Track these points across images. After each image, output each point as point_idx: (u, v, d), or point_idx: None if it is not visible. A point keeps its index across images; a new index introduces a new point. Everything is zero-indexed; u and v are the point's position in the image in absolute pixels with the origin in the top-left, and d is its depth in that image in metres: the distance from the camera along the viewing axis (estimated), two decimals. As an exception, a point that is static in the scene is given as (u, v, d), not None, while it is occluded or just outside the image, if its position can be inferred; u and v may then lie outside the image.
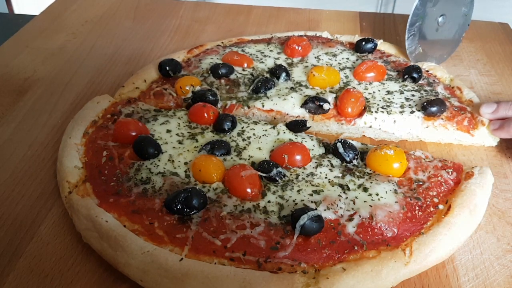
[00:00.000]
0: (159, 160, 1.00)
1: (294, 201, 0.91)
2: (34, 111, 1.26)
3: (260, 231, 0.84)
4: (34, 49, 1.55)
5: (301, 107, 1.18)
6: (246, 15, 1.83)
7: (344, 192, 0.93)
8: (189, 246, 0.82)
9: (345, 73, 1.32)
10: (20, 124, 1.21)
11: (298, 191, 0.93)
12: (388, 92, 1.23)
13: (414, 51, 1.41)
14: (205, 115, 1.12)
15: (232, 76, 1.29)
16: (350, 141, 1.06)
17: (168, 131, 1.09)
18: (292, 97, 1.20)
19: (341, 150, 1.02)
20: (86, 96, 1.32)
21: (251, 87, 1.24)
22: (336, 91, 1.24)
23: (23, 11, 3.02)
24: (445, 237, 0.85)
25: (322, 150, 1.07)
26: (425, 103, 1.14)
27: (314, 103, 1.16)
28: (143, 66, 1.40)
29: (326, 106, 1.16)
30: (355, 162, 1.03)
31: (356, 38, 1.49)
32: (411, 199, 0.92)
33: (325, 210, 0.88)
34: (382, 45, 1.48)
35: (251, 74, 1.31)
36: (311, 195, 0.92)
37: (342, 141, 1.04)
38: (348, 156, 1.02)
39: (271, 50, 1.44)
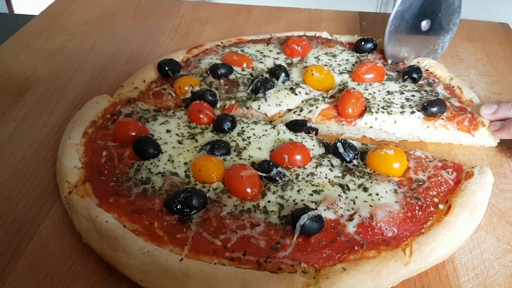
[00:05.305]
0: (159, 160, 1.00)
1: (294, 201, 0.91)
2: (34, 111, 1.26)
3: (260, 231, 0.84)
4: (34, 49, 1.55)
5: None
6: (246, 15, 1.83)
7: (344, 192, 0.93)
8: (189, 246, 0.82)
9: (343, 75, 1.32)
10: (20, 124, 1.21)
11: (298, 191, 0.93)
12: (388, 93, 1.23)
13: (394, 55, 1.38)
14: (201, 116, 1.12)
15: (231, 76, 1.29)
16: (350, 141, 1.06)
17: (168, 131, 1.09)
18: (287, 104, 1.20)
19: (341, 150, 1.02)
20: (86, 96, 1.32)
21: (250, 87, 1.24)
22: (335, 93, 1.24)
23: (23, 11, 3.02)
24: (445, 237, 0.85)
25: (322, 150, 1.07)
26: (425, 104, 1.14)
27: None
28: (143, 66, 1.40)
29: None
30: (355, 162, 1.03)
31: (355, 38, 1.49)
32: (411, 199, 0.92)
33: (325, 210, 0.88)
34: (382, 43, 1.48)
35: (251, 74, 1.31)
36: (311, 195, 0.92)
37: (342, 141, 1.04)
38: (348, 156, 1.02)
39: (270, 50, 1.44)
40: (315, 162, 1.02)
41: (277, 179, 0.95)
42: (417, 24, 1.35)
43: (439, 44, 1.42)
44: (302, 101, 1.23)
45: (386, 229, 0.86)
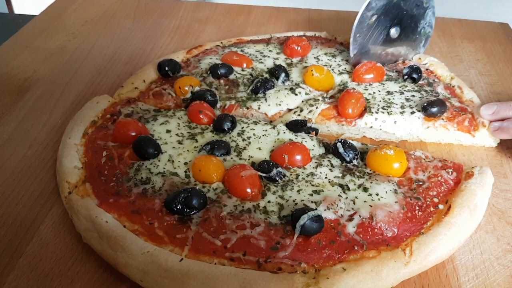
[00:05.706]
0: (159, 160, 1.00)
1: (294, 201, 0.91)
2: (34, 111, 1.26)
3: (260, 231, 0.84)
4: (34, 49, 1.55)
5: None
6: (246, 15, 1.83)
7: (344, 192, 0.93)
8: (189, 246, 0.82)
9: (343, 75, 1.32)
10: (20, 124, 1.21)
11: (298, 191, 0.93)
12: (388, 93, 1.23)
13: (360, 60, 1.34)
14: (201, 116, 1.12)
15: (231, 76, 1.29)
16: (350, 141, 1.06)
17: (168, 131, 1.09)
18: (287, 104, 1.20)
19: (341, 150, 1.02)
20: (86, 96, 1.32)
21: (250, 88, 1.24)
22: (335, 93, 1.24)
23: (23, 11, 3.02)
24: (445, 237, 0.85)
25: (322, 150, 1.07)
26: (425, 104, 1.14)
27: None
28: (143, 66, 1.40)
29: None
30: (355, 162, 1.03)
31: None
32: (411, 199, 0.92)
33: (325, 210, 0.88)
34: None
35: (250, 74, 1.31)
36: (311, 195, 0.92)
37: (342, 141, 1.04)
38: (348, 156, 1.02)
39: (270, 50, 1.44)
40: (315, 162, 1.02)
41: (277, 179, 0.95)
42: (387, 37, 1.33)
43: (424, 27, 1.38)
44: (302, 101, 1.23)
45: (386, 229, 0.86)
